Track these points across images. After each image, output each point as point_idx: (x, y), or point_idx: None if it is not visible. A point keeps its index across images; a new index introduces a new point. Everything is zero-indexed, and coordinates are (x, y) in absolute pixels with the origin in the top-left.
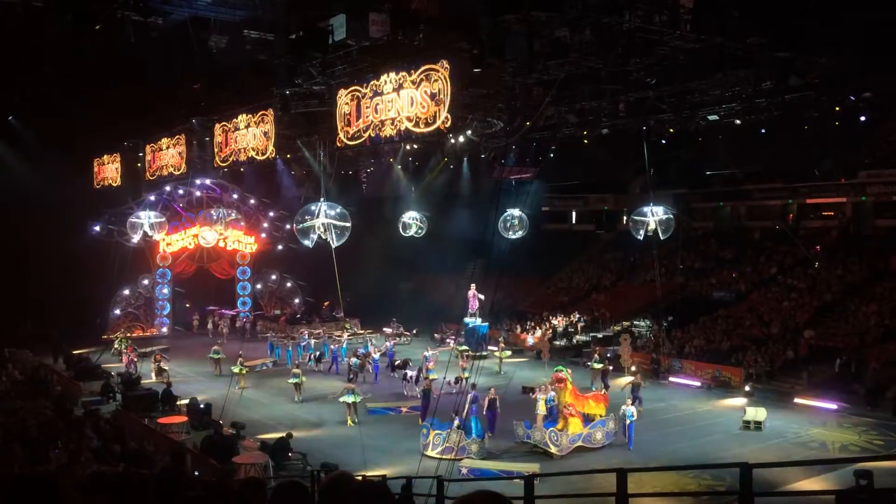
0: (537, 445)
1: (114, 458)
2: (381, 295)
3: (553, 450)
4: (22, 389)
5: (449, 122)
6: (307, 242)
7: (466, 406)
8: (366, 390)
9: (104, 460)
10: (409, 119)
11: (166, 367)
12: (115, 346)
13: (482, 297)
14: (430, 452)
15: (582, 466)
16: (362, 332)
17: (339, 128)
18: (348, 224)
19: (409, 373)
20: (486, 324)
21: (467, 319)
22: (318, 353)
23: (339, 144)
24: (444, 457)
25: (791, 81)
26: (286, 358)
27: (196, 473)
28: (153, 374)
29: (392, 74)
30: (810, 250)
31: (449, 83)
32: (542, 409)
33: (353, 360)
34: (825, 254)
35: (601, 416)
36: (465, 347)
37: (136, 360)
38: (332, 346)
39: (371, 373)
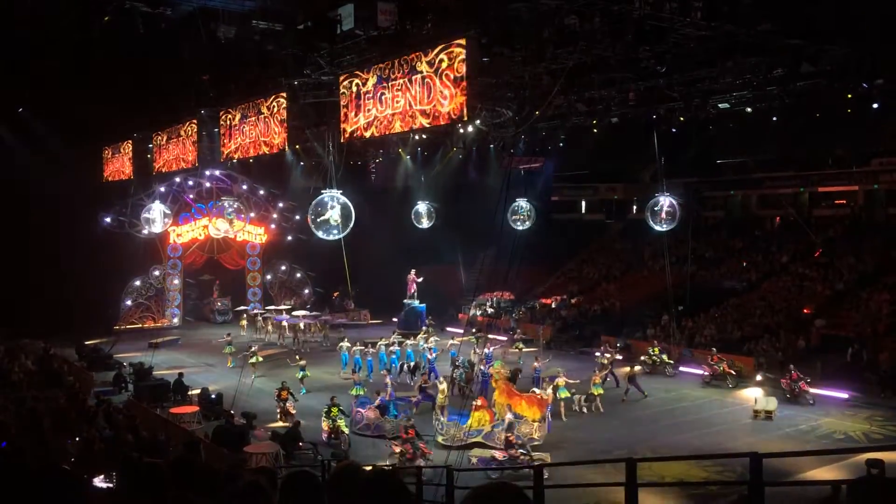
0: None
1: (126, 447)
2: (390, 285)
3: (439, 439)
4: (35, 380)
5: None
6: (322, 234)
7: (389, 388)
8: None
9: (117, 450)
10: (417, 109)
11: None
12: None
13: (419, 280)
14: (356, 429)
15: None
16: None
17: (345, 119)
18: (352, 213)
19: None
20: (424, 305)
21: (406, 301)
22: (412, 364)
23: (345, 136)
24: (363, 434)
25: (803, 69)
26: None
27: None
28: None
29: (401, 63)
30: (819, 238)
31: (462, 70)
32: (440, 399)
33: (459, 371)
34: (837, 242)
35: (534, 419)
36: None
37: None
38: (429, 356)
39: (479, 384)
